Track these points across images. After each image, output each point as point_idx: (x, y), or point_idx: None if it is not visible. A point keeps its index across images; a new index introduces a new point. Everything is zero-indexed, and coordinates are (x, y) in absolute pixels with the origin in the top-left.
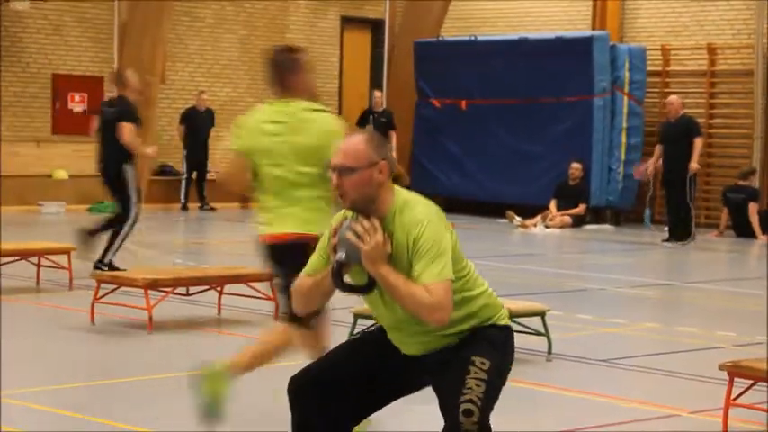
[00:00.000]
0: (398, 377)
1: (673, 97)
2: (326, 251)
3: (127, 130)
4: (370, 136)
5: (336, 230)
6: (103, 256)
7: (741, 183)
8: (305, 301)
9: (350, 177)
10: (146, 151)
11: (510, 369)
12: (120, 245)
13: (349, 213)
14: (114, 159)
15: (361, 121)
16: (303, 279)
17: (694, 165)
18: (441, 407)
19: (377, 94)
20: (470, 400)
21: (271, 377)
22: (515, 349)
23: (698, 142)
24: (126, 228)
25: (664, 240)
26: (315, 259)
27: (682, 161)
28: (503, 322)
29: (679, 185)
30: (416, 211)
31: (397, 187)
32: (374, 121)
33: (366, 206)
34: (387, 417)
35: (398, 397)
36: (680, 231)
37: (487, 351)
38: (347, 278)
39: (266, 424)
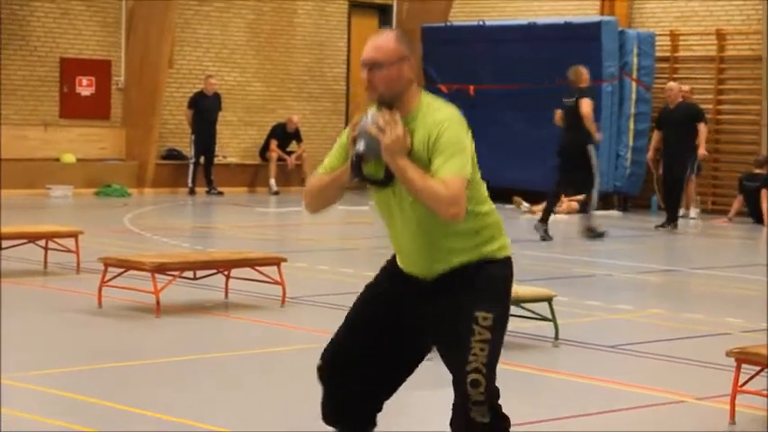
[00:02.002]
0: (409, 338)
1: (672, 83)
2: (344, 149)
3: (586, 103)
4: (401, 33)
5: (357, 124)
6: (590, 228)
7: (757, 171)
8: (318, 197)
9: (380, 72)
10: (596, 135)
11: (510, 301)
12: (592, 211)
13: (373, 109)
14: (578, 142)
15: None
16: (318, 176)
17: (702, 151)
18: (449, 369)
19: None
20: (476, 369)
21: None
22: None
23: (702, 128)
24: (595, 196)
25: (658, 226)
26: (331, 158)
27: (680, 148)
28: (504, 253)
29: (677, 172)
30: (440, 111)
31: (423, 90)
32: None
33: (392, 102)
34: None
35: (415, 361)
36: (669, 216)
37: (489, 301)
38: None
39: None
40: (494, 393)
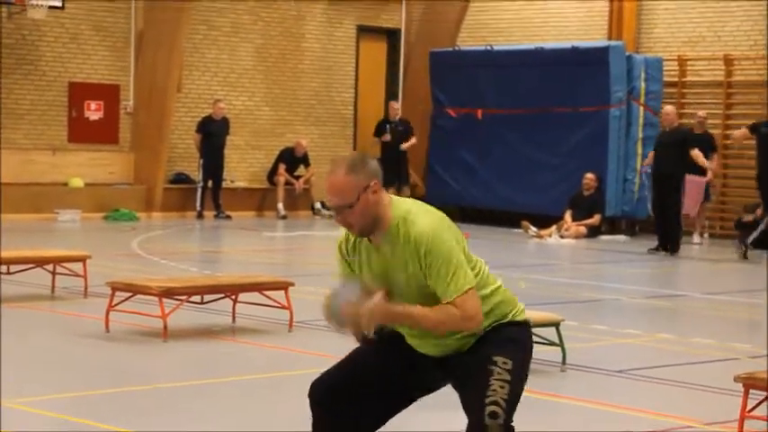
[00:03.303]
0: (418, 377)
1: (668, 107)
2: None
3: None
4: (351, 161)
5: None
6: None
7: (746, 219)
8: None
9: (349, 212)
10: None
11: (529, 366)
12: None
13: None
14: None
15: (378, 131)
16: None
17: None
18: (465, 408)
19: (393, 104)
20: (495, 402)
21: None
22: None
23: (694, 153)
24: None
25: (651, 250)
26: (340, 267)
27: (674, 171)
28: (520, 318)
29: (671, 195)
30: (421, 222)
31: (395, 198)
32: (391, 131)
33: (372, 228)
34: (396, 424)
35: (419, 396)
36: (670, 242)
37: (509, 350)
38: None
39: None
40: (510, 429)
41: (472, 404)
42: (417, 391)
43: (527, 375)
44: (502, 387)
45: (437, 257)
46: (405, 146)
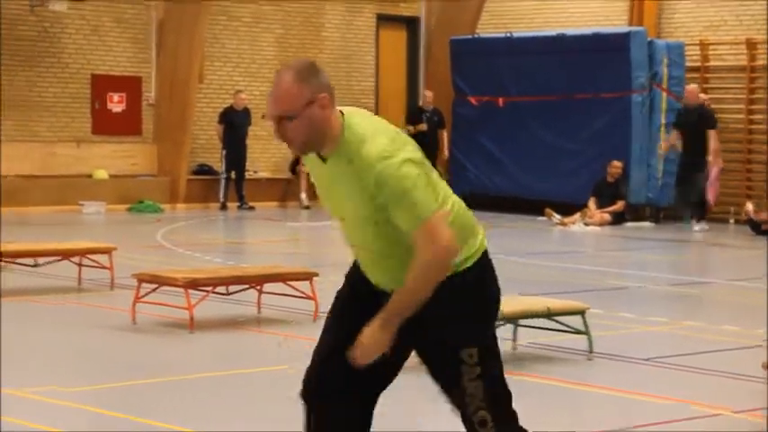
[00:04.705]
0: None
1: (692, 86)
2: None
3: None
4: (299, 70)
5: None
6: None
7: (763, 216)
8: None
9: (290, 124)
10: None
11: (496, 315)
12: None
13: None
14: None
15: (412, 119)
16: None
17: (714, 159)
18: (457, 409)
19: (427, 93)
20: (478, 408)
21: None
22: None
23: (711, 134)
24: None
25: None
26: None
27: (697, 149)
28: (470, 263)
29: (695, 171)
30: (373, 145)
31: (346, 113)
32: (427, 120)
33: (315, 147)
34: (399, 415)
35: (401, 364)
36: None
37: (468, 331)
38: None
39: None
40: (504, 420)
41: (458, 410)
42: (394, 362)
43: (495, 335)
44: (477, 387)
45: (393, 185)
46: (446, 152)
